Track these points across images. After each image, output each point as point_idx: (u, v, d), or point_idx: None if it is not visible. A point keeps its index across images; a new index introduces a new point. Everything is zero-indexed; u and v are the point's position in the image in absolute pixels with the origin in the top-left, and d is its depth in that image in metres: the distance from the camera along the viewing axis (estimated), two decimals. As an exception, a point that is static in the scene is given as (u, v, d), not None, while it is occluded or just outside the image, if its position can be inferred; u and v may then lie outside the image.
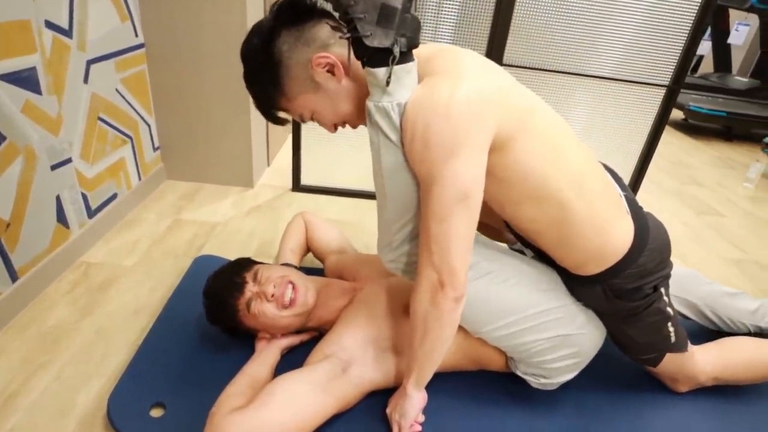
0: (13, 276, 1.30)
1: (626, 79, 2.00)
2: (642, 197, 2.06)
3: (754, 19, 4.45)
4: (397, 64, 0.78)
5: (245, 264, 1.17)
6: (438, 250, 0.82)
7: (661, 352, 1.09)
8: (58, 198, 1.46)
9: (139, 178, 1.94)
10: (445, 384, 1.11)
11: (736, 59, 5.16)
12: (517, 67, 1.94)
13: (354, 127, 0.95)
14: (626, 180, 2.19)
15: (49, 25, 1.34)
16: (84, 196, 1.59)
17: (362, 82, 0.85)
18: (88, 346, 1.23)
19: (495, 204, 0.95)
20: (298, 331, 1.19)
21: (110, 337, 1.26)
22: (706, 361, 1.13)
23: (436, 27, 1.89)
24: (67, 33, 1.42)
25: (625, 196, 1.01)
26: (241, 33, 1.21)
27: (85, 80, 1.54)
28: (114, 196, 1.77)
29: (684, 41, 1.91)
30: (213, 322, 1.15)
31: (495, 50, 1.89)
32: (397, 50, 0.76)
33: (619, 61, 1.96)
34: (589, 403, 1.15)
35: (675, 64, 1.96)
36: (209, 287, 1.14)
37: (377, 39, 0.75)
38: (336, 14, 0.81)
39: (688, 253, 2.06)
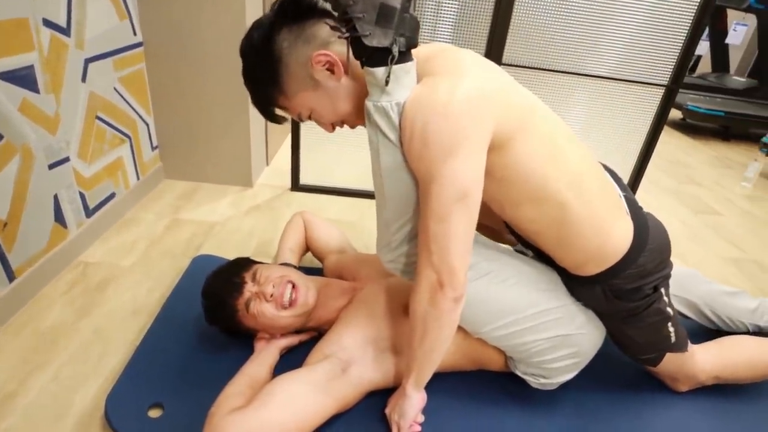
0: (11, 276, 1.29)
1: (625, 79, 2.00)
2: (640, 196, 2.06)
3: (751, 19, 4.46)
4: (396, 63, 0.77)
5: (244, 264, 1.17)
6: (437, 249, 0.82)
7: (661, 351, 1.09)
8: (55, 197, 1.45)
9: (138, 178, 1.94)
10: (445, 384, 1.11)
11: (734, 59, 5.17)
12: (516, 66, 1.94)
13: (352, 127, 0.95)
14: (625, 179, 2.20)
15: (47, 23, 1.34)
16: (82, 196, 1.58)
17: (361, 82, 0.85)
18: (86, 346, 1.22)
19: (495, 204, 0.94)
20: (297, 331, 1.18)
21: (108, 337, 1.25)
22: (706, 361, 1.13)
23: (435, 26, 1.89)
24: (65, 31, 1.42)
25: (625, 196, 1.01)
26: (240, 32, 1.21)
27: (83, 79, 1.53)
28: (112, 196, 1.76)
29: (683, 41, 1.91)
30: (212, 322, 1.14)
31: (494, 50, 1.89)
32: (396, 50, 0.76)
33: (618, 61, 1.97)
34: (589, 403, 1.14)
35: (673, 63, 1.96)
36: (208, 287, 1.14)
37: (376, 38, 0.75)
38: (335, 14, 0.80)
39: (687, 252, 2.07)
